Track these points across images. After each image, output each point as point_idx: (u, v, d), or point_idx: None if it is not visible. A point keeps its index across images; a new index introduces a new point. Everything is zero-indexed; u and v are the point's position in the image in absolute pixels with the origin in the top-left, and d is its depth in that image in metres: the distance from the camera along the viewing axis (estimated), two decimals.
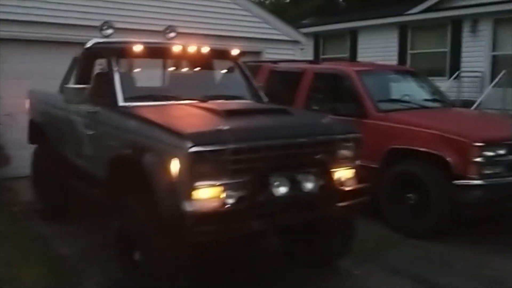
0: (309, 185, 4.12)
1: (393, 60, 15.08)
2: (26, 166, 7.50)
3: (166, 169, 3.74)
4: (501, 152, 5.89)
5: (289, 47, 11.84)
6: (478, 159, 5.75)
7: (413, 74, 8.33)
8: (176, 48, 5.22)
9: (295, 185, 4.05)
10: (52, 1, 8.70)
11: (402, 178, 6.24)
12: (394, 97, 7.37)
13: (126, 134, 4.45)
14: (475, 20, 13.81)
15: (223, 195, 3.79)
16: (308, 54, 15.93)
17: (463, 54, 14.14)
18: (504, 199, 5.91)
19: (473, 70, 13.65)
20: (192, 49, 5.30)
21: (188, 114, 4.48)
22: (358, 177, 4.61)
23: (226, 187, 3.80)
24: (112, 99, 4.79)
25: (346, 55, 17.47)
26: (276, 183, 3.96)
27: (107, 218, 4.56)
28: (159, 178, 3.77)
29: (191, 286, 4.06)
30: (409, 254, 5.64)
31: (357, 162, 4.60)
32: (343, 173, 4.46)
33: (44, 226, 6.33)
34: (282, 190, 3.98)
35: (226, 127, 3.88)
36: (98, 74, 5.36)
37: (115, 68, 4.94)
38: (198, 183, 3.70)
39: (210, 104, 4.78)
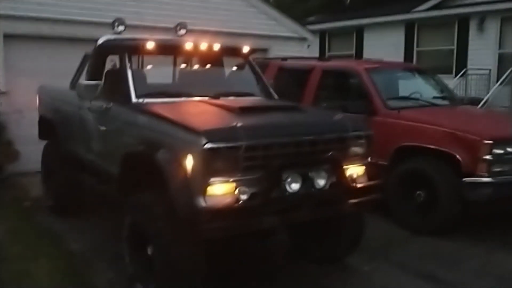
0: (321, 182, 4.14)
1: (399, 58, 15.08)
2: (35, 162, 7.56)
3: (181, 165, 3.78)
4: (510, 150, 5.90)
5: (296, 44, 11.84)
6: (487, 157, 5.77)
7: (422, 71, 8.34)
8: (188, 45, 5.24)
9: (307, 182, 4.07)
10: None
11: (411, 175, 6.27)
12: (403, 94, 7.37)
13: (139, 130, 4.47)
14: (482, 18, 13.80)
15: (237, 191, 3.81)
16: (313, 51, 15.92)
17: (470, 52, 14.13)
18: None
19: (479, 68, 13.62)
20: (203, 46, 5.32)
21: (201, 111, 4.51)
22: (369, 174, 4.63)
23: (240, 183, 3.83)
24: (125, 96, 4.82)
25: (352, 52, 17.46)
26: (288, 180, 3.98)
27: (119, 214, 4.60)
28: (174, 174, 3.80)
29: (204, 281, 4.09)
30: (418, 251, 5.67)
31: (369, 159, 4.62)
32: (354, 170, 4.48)
33: (55, 221, 6.38)
34: (295, 186, 4.00)
35: (240, 124, 3.90)
36: (110, 70, 5.39)
37: (128, 65, 4.97)
38: (212, 179, 3.73)
39: (223, 101, 4.80)
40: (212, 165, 3.71)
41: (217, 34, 8.43)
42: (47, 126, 6.61)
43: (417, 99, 7.21)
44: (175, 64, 5.61)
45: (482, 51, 13.75)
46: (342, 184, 4.28)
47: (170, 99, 4.90)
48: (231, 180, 3.81)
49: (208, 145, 3.66)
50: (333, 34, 18.61)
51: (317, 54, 16.71)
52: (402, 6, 16.66)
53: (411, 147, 6.31)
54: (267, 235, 4.75)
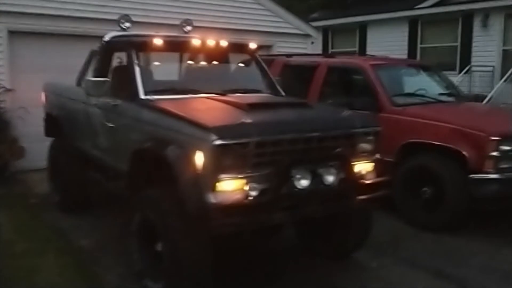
0: (330, 178, 4.14)
1: (403, 55, 15.06)
2: (40, 159, 7.58)
3: (191, 161, 3.79)
4: None
5: (300, 41, 11.84)
6: (494, 153, 5.76)
7: (427, 68, 8.33)
8: (195, 42, 5.24)
9: (316, 178, 4.07)
10: None
11: (417, 172, 6.27)
12: (409, 91, 7.37)
13: (148, 127, 4.48)
14: (486, 14, 13.77)
15: (247, 187, 3.83)
16: (316, 48, 15.90)
17: (474, 49, 14.11)
18: None
19: (483, 65, 13.60)
20: (210, 42, 5.32)
21: (210, 108, 4.51)
22: (377, 170, 4.64)
23: (249, 179, 3.84)
24: (133, 92, 4.82)
25: (355, 49, 17.43)
26: (298, 176, 3.99)
27: (128, 210, 4.61)
28: (184, 170, 3.81)
29: (213, 278, 4.11)
30: (425, 247, 5.68)
31: (377, 156, 4.63)
32: (363, 167, 4.49)
33: (62, 218, 6.40)
34: (304, 183, 4.01)
35: (249, 121, 3.91)
36: (118, 67, 5.40)
37: (135, 61, 4.97)
38: (222, 176, 3.75)
39: (231, 97, 4.81)
40: (222, 162, 3.72)
41: (222, 31, 8.44)
42: (54, 123, 6.63)
43: (422, 96, 7.21)
44: (182, 61, 5.60)
45: (486, 48, 13.73)
46: (350, 180, 4.28)
47: (178, 96, 4.90)
48: (240, 176, 3.82)
49: (218, 142, 3.67)
50: (336, 31, 18.59)
51: (320, 51, 16.69)
52: (406, 3, 16.63)
53: (417, 144, 6.31)
54: (275, 232, 4.76)
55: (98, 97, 5.17)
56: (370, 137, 4.53)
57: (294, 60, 8.50)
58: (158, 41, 5.01)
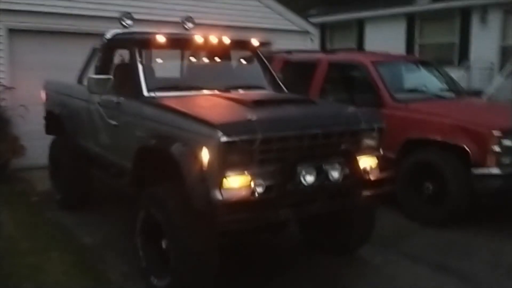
0: (335, 175, 4.15)
1: (400, 51, 14.99)
2: (41, 157, 7.58)
3: (197, 158, 3.79)
4: None
5: (300, 38, 11.81)
6: (496, 149, 5.78)
7: (428, 64, 8.33)
8: (198, 39, 5.23)
9: (321, 175, 4.09)
10: None
11: (420, 167, 6.28)
12: (410, 87, 7.38)
13: (152, 124, 4.48)
14: (485, 10, 13.74)
15: (253, 184, 3.83)
16: (314, 44, 15.87)
17: (472, 45, 14.08)
18: None
19: (482, 61, 13.59)
20: (213, 39, 5.31)
21: (215, 104, 4.52)
22: (381, 166, 4.65)
23: (255, 176, 3.85)
24: (137, 90, 4.82)
25: (353, 45, 17.41)
26: (303, 173, 3.99)
27: (131, 207, 4.61)
28: (190, 167, 3.81)
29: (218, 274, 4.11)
30: (428, 242, 5.70)
31: (381, 152, 4.64)
32: (367, 163, 4.49)
33: (64, 215, 6.40)
34: (309, 179, 4.02)
35: (255, 117, 3.91)
36: (121, 64, 5.39)
37: (139, 59, 4.96)
38: (228, 172, 3.75)
39: (235, 94, 4.81)
40: (228, 158, 3.73)
41: (222, 27, 8.41)
42: (55, 121, 6.61)
43: (424, 92, 7.23)
44: (185, 58, 5.59)
45: (485, 44, 13.69)
46: (355, 176, 4.29)
47: (181, 93, 4.91)
48: (246, 173, 3.83)
49: (224, 139, 3.67)
50: (334, 27, 18.54)
51: (318, 47, 16.66)
52: None
53: (420, 140, 6.32)
54: (280, 228, 4.77)
55: (101, 95, 5.15)
56: (375, 133, 4.54)
57: (295, 56, 8.49)
58: (161, 39, 5.00)
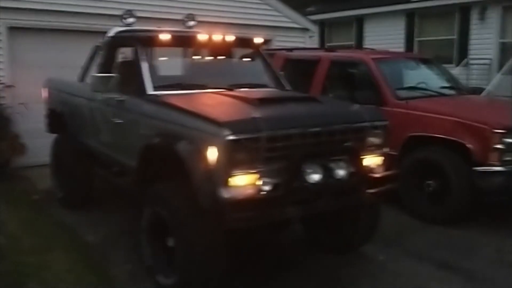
0: (340, 172, 4.16)
1: (400, 48, 15.05)
2: (41, 155, 7.58)
3: (203, 157, 3.79)
4: None
5: (299, 35, 11.81)
6: (498, 146, 5.80)
7: (429, 61, 8.35)
8: (202, 37, 5.23)
9: (327, 172, 4.09)
10: None
11: (422, 165, 6.31)
12: (411, 84, 7.39)
13: (157, 122, 4.47)
14: (484, 7, 13.77)
15: (259, 182, 3.83)
16: (313, 42, 15.86)
17: (471, 42, 14.12)
18: None
19: (481, 58, 13.63)
20: (216, 37, 5.31)
21: (220, 103, 4.51)
22: (386, 164, 4.66)
23: (262, 174, 3.85)
24: (141, 88, 4.82)
25: (352, 43, 17.42)
26: (309, 170, 4.00)
27: (137, 205, 4.61)
28: (196, 166, 3.82)
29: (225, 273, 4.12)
30: (431, 240, 5.72)
31: (385, 149, 4.65)
32: (372, 160, 4.51)
33: (66, 214, 6.40)
34: (315, 177, 4.02)
35: (260, 115, 3.92)
36: (124, 62, 5.39)
37: (143, 57, 4.96)
38: (234, 170, 3.75)
39: (239, 92, 4.81)
40: (235, 157, 3.73)
41: (222, 25, 8.43)
42: (57, 120, 6.60)
43: (425, 89, 7.23)
44: (188, 56, 5.59)
45: (484, 41, 13.74)
46: (360, 174, 4.30)
47: (185, 91, 4.90)
48: (252, 171, 3.83)
49: (230, 137, 3.67)
50: (332, 25, 18.56)
51: (316, 45, 16.65)
52: None
53: (421, 137, 6.34)
54: (283, 226, 4.77)
55: (104, 93, 5.14)
56: (379, 131, 4.55)
57: (296, 54, 8.50)
58: (164, 36, 5.00)
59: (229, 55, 5.80)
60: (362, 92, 7.05)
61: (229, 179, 3.74)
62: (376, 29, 16.54)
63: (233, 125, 3.75)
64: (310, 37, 12.32)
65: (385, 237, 5.49)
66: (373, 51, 8.39)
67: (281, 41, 10.95)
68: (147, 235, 4.46)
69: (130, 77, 4.99)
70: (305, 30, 12.01)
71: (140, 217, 4.52)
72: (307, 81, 7.70)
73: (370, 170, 4.46)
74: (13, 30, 8.46)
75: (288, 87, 5.68)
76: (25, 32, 8.54)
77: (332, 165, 4.14)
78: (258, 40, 5.64)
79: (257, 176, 3.84)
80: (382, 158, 4.63)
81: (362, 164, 4.34)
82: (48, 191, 7.18)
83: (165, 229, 4.16)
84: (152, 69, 4.98)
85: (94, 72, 5.64)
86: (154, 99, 4.65)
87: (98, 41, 6.17)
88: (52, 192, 7.03)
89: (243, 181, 3.80)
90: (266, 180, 3.85)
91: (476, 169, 5.89)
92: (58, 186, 6.82)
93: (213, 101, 4.59)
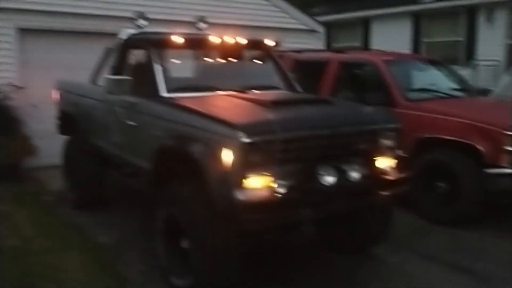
0: (354, 174, 4.18)
1: (406, 49, 15.04)
2: (51, 156, 7.62)
3: (218, 159, 3.82)
4: None
5: (307, 37, 11.80)
6: (509, 148, 5.80)
7: (438, 63, 8.35)
8: (214, 39, 5.26)
9: (341, 174, 4.12)
10: None
11: (432, 167, 6.31)
12: (420, 86, 7.39)
13: (171, 124, 4.49)
14: (491, 8, 13.76)
15: (273, 184, 3.86)
16: (320, 43, 15.86)
17: (478, 43, 14.11)
18: None
19: (488, 59, 13.62)
20: (228, 40, 5.34)
21: (233, 105, 4.54)
22: (398, 166, 4.67)
23: (276, 176, 3.87)
24: (155, 90, 4.85)
25: (358, 44, 17.43)
26: (323, 172, 4.03)
27: (151, 207, 4.63)
28: (211, 168, 3.84)
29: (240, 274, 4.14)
30: (443, 241, 5.73)
31: (397, 152, 4.67)
32: (385, 162, 4.53)
33: (78, 215, 6.42)
34: (329, 179, 4.05)
35: (275, 118, 3.94)
36: (138, 65, 5.41)
37: (156, 59, 4.99)
38: (249, 173, 3.77)
39: (252, 94, 4.84)
40: (250, 159, 3.75)
41: (231, 27, 8.43)
42: (69, 121, 6.63)
43: (435, 91, 7.24)
44: (201, 58, 5.61)
45: (491, 42, 13.73)
46: (374, 176, 4.34)
47: (199, 93, 4.94)
48: (267, 173, 3.85)
49: (246, 139, 3.70)
50: (338, 26, 18.57)
51: (322, 47, 16.63)
52: None
53: (432, 139, 6.35)
54: (295, 227, 4.79)
55: (118, 95, 5.17)
56: (392, 133, 4.57)
57: (305, 55, 8.51)
58: (177, 39, 5.04)
59: (241, 57, 5.82)
60: (371, 94, 7.06)
61: (244, 181, 3.77)
62: (383, 30, 16.53)
63: (249, 128, 3.78)
64: (318, 38, 12.34)
65: (396, 238, 5.49)
66: (382, 52, 8.39)
67: (289, 43, 10.94)
68: (161, 236, 4.49)
69: (143, 79, 5.02)
70: (312, 31, 12.02)
71: (153, 218, 4.55)
72: (315, 82, 7.71)
73: (383, 172, 4.47)
74: (23, 31, 8.51)
75: (299, 89, 5.70)
76: (35, 33, 8.59)
77: (345, 167, 4.16)
78: (270, 42, 5.66)
79: (271, 178, 3.86)
80: (395, 160, 4.64)
81: (375, 166, 4.37)
82: (59, 192, 7.23)
83: (179, 230, 4.18)
84: (166, 72, 5.01)
85: (107, 74, 5.67)
86: (168, 101, 4.68)
87: (110, 43, 6.20)
88: (63, 193, 7.07)
89: (258, 183, 3.82)
90: (281, 182, 3.88)
91: (486, 171, 5.90)
92: (70, 188, 6.86)
93: (227, 104, 4.62)
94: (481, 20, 14.04)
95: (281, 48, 10.08)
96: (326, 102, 4.83)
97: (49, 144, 7.93)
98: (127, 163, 5.45)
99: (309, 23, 11.93)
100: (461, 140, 6.06)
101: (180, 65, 5.33)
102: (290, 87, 5.71)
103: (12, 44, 8.44)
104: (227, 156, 3.77)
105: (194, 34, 5.52)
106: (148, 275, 4.75)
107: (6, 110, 8.27)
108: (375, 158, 4.39)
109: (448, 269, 5.03)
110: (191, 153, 4.01)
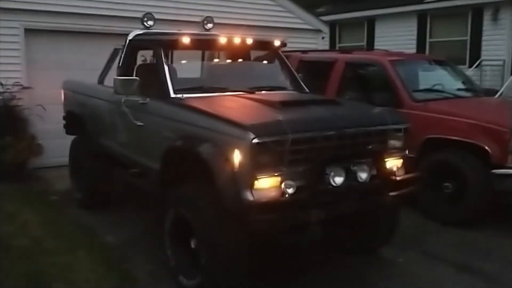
0: (363, 175, 4.19)
1: (411, 49, 15.03)
2: (58, 156, 7.68)
3: (227, 159, 3.83)
4: None
5: (311, 36, 11.85)
6: None
7: (444, 63, 8.34)
8: (222, 40, 5.27)
9: (350, 175, 4.12)
10: None
11: (439, 167, 6.30)
12: (427, 86, 7.38)
13: (180, 125, 4.51)
14: (496, 8, 13.72)
15: (283, 184, 3.86)
16: (324, 43, 15.87)
17: (484, 43, 14.06)
18: None
19: (494, 59, 13.59)
20: (236, 40, 5.35)
21: (242, 106, 4.55)
22: (407, 166, 4.68)
23: (286, 177, 3.88)
24: (163, 91, 4.86)
25: (363, 44, 17.41)
26: (332, 173, 4.03)
27: (154, 207, 4.65)
28: (220, 168, 3.85)
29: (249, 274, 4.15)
30: (449, 241, 5.73)
31: (406, 152, 4.68)
32: (393, 163, 4.53)
33: (86, 215, 6.45)
34: (338, 180, 4.05)
35: (284, 118, 3.95)
36: (146, 65, 5.43)
37: (165, 60, 5.00)
38: (259, 173, 3.78)
39: (261, 95, 4.85)
40: (259, 159, 3.76)
41: (237, 27, 8.49)
42: (76, 121, 6.65)
43: (441, 91, 7.24)
44: (209, 58, 5.63)
45: (497, 42, 13.69)
46: (382, 176, 4.33)
47: (207, 94, 4.95)
48: (276, 174, 3.86)
49: (255, 140, 3.71)
50: (343, 25, 18.55)
51: (327, 46, 16.66)
52: None
53: (439, 139, 6.35)
54: (303, 227, 4.80)
55: (127, 96, 5.18)
56: (400, 134, 4.57)
57: (311, 56, 8.52)
58: (185, 40, 5.04)
59: (249, 57, 5.83)
60: (378, 94, 7.07)
61: (254, 181, 3.78)
62: (388, 30, 16.50)
63: (258, 128, 3.79)
64: (323, 38, 12.36)
65: (404, 238, 5.50)
66: (389, 52, 8.39)
67: (294, 43, 10.95)
68: (170, 236, 4.50)
69: (152, 80, 5.03)
70: (317, 31, 12.04)
71: (162, 218, 4.57)
72: (322, 82, 7.70)
73: (391, 172, 4.47)
74: (30, 32, 8.53)
75: (307, 89, 5.71)
76: (42, 34, 8.63)
77: (355, 167, 4.16)
78: (277, 42, 5.67)
79: (281, 178, 3.87)
80: (403, 160, 4.65)
81: (384, 166, 4.36)
82: (66, 192, 7.26)
83: (188, 230, 4.20)
84: (174, 72, 5.03)
85: (115, 75, 5.69)
86: (177, 102, 4.70)
87: (117, 43, 6.22)
88: (70, 193, 7.10)
89: (267, 184, 3.83)
90: (290, 182, 3.88)
91: (494, 171, 5.90)
92: (77, 187, 6.88)
93: (235, 104, 4.63)
94: (487, 19, 13.99)
95: (286, 48, 10.22)
96: (334, 103, 4.83)
97: (56, 144, 7.98)
98: (134, 163, 5.47)
99: (314, 22, 11.95)
100: (468, 140, 6.06)
101: (188, 66, 5.35)
102: (298, 87, 5.71)
103: (19, 44, 8.48)
104: (236, 157, 3.79)
105: (202, 34, 5.53)
106: (157, 275, 4.76)
107: (13, 110, 8.32)
108: (383, 159, 4.39)
109: (455, 269, 5.04)
110: (200, 153, 4.02)
